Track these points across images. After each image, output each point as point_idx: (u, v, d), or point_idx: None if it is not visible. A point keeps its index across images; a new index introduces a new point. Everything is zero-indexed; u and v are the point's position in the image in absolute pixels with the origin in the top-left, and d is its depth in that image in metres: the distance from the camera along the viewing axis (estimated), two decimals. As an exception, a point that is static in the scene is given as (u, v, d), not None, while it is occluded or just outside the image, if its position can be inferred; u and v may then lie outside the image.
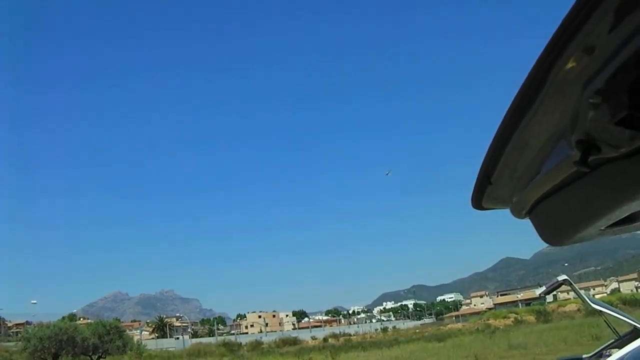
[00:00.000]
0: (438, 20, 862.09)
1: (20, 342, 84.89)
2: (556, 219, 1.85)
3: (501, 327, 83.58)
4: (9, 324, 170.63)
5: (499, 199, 2.07)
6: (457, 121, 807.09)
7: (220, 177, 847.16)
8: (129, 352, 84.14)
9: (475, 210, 1.96)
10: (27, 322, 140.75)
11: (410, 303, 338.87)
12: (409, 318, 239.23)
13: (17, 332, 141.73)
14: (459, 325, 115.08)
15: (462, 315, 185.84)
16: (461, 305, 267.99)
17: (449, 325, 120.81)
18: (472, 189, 1.77)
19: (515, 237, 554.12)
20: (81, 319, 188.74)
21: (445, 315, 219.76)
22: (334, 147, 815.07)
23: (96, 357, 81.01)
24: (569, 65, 1.26)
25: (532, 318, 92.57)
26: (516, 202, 1.99)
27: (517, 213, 2.06)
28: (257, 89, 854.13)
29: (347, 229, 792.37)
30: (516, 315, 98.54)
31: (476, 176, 1.65)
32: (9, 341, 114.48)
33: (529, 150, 1.64)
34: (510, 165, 1.77)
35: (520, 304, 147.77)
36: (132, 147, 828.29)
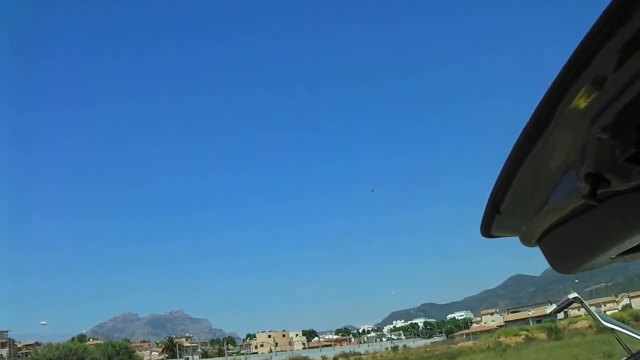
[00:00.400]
0: (444, 33, 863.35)
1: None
2: (565, 249, 1.85)
3: (512, 344, 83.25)
4: (19, 345, 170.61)
5: (508, 228, 2.07)
6: (467, 138, 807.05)
7: (229, 196, 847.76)
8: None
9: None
10: (37, 343, 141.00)
11: (420, 321, 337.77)
12: (419, 336, 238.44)
13: (26, 352, 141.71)
14: (470, 343, 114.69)
15: (472, 333, 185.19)
16: (471, 323, 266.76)
17: (459, 344, 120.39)
18: (481, 217, 1.81)
19: (525, 254, 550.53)
20: (90, 340, 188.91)
21: (455, 334, 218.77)
22: (341, 164, 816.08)
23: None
24: (578, 98, 1.25)
25: (543, 335, 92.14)
26: (525, 231, 1.98)
27: (526, 242, 2.06)
28: (273, 104, 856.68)
29: (356, 248, 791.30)
30: (527, 333, 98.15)
31: (485, 205, 1.69)
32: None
33: (538, 181, 1.63)
34: (519, 196, 1.77)
35: (531, 321, 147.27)
36: (140, 165, 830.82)
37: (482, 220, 2.05)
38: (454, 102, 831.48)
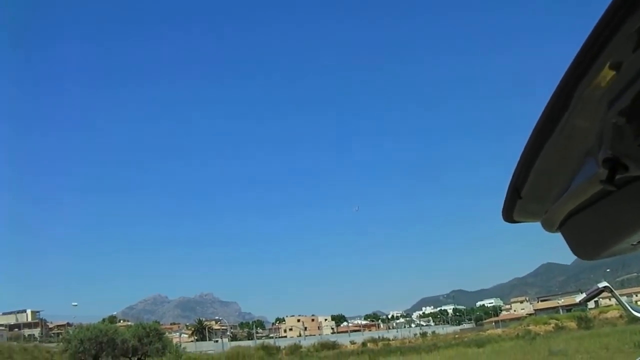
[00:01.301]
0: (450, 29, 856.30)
1: (61, 344, 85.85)
2: (587, 235, 1.85)
3: (541, 333, 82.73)
4: (51, 325, 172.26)
5: (530, 213, 2.06)
6: (496, 128, 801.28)
7: (260, 181, 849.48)
8: (168, 354, 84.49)
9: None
10: (68, 324, 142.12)
11: (449, 308, 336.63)
12: (448, 323, 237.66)
13: (58, 333, 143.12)
14: (499, 330, 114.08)
15: (501, 320, 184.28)
16: (501, 310, 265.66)
17: (488, 331, 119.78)
18: (503, 202, 1.79)
19: (556, 242, 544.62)
20: (121, 321, 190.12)
21: (484, 321, 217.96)
22: (372, 151, 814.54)
23: (136, 359, 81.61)
24: (594, 82, 1.24)
25: (573, 324, 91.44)
26: (547, 216, 1.98)
27: (548, 227, 2.08)
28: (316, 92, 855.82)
29: (387, 233, 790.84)
30: (557, 321, 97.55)
31: (506, 189, 1.68)
32: (50, 342, 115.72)
33: (558, 166, 1.63)
34: (539, 181, 1.76)
35: (561, 310, 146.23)
36: (175, 148, 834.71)
37: (504, 205, 2.04)
38: (483, 89, 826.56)
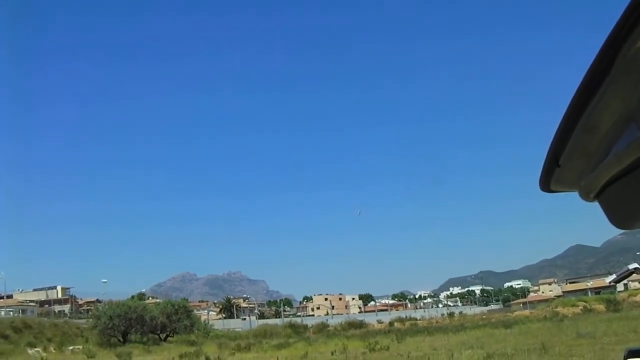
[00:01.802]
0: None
1: (91, 320, 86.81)
2: (625, 203, 1.80)
3: (569, 315, 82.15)
4: (80, 302, 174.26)
5: (567, 182, 2.03)
6: (526, 103, 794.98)
7: (287, 158, 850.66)
8: (197, 331, 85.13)
9: (543, 193, 1.97)
10: (98, 301, 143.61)
11: (477, 289, 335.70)
12: (476, 304, 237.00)
13: (87, 309, 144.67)
14: (527, 312, 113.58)
15: (529, 302, 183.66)
16: (529, 292, 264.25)
17: (516, 312, 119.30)
18: (540, 171, 1.76)
19: (585, 224, 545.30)
20: (150, 299, 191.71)
21: (512, 302, 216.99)
22: (401, 127, 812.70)
23: (164, 335, 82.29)
24: (638, 45, 1.20)
25: (601, 307, 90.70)
26: (585, 185, 1.94)
27: (586, 196, 2.02)
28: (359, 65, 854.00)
29: (415, 213, 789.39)
30: (585, 304, 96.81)
31: (544, 158, 1.65)
32: (79, 318, 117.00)
33: (598, 133, 1.58)
34: (578, 148, 1.72)
35: (589, 292, 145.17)
36: (198, 124, 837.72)
37: (541, 174, 2.00)
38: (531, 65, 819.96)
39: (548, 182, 2.02)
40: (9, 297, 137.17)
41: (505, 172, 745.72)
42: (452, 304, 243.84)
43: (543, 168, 1.72)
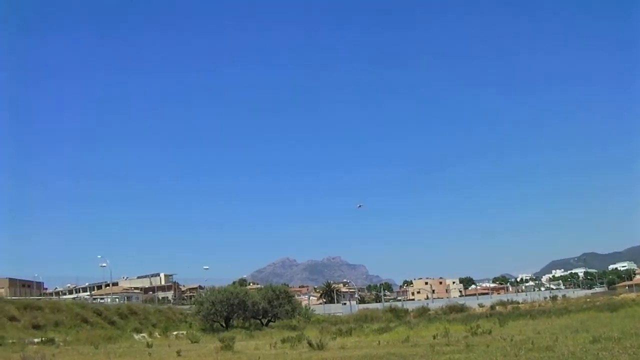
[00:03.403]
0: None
1: (194, 306, 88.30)
2: None
3: (679, 297, 79.37)
4: (183, 289, 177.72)
5: None
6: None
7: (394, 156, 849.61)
8: (298, 316, 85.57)
9: None
10: (200, 287, 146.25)
11: (580, 271, 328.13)
12: (579, 287, 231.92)
13: (190, 296, 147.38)
14: (633, 295, 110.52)
15: (635, 284, 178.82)
16: (635, 274, 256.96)
17: (621, 295, 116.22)
18: None
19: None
20: (251, 284, 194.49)
21: (617, 285, 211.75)
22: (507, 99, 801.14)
23: (266, 320, 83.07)
24: None
25: None
26: None
27: None
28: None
29: (516, 193, 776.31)
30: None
31: None
32: (183, 304, 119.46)
33: None
34: None
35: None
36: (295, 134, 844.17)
37: None
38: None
39: None
40: (115, 284, 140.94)
41: (609, 143, 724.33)
42: (554, 287, 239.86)
43: None
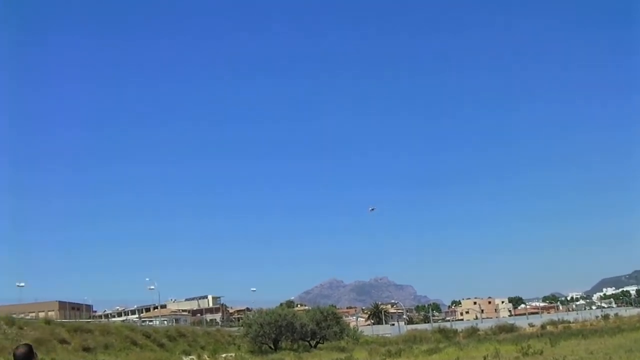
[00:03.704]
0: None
1: (241, 328, 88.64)
2: None
3: None
4: (231, 310, 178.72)
5: None
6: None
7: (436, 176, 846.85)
8: (346, 337, 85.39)
9: None
10: (248, 309, 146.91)
11: (632, 289, 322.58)
12: (631, 305, 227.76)
13: (238, 318, 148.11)
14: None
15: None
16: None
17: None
18: None
19: None
20: (298, 306, 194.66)
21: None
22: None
23: (314, 342, 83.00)
24: None
25: None
26: None
27: None
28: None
29: (564, 207, 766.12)
30: None
31: None
32: (231, 327, 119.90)
33: None
34: None
35: None
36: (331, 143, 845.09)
37: None
38: None
39: None
40: (163, 306, 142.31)
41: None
42: (606, 306, 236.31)
43: None
